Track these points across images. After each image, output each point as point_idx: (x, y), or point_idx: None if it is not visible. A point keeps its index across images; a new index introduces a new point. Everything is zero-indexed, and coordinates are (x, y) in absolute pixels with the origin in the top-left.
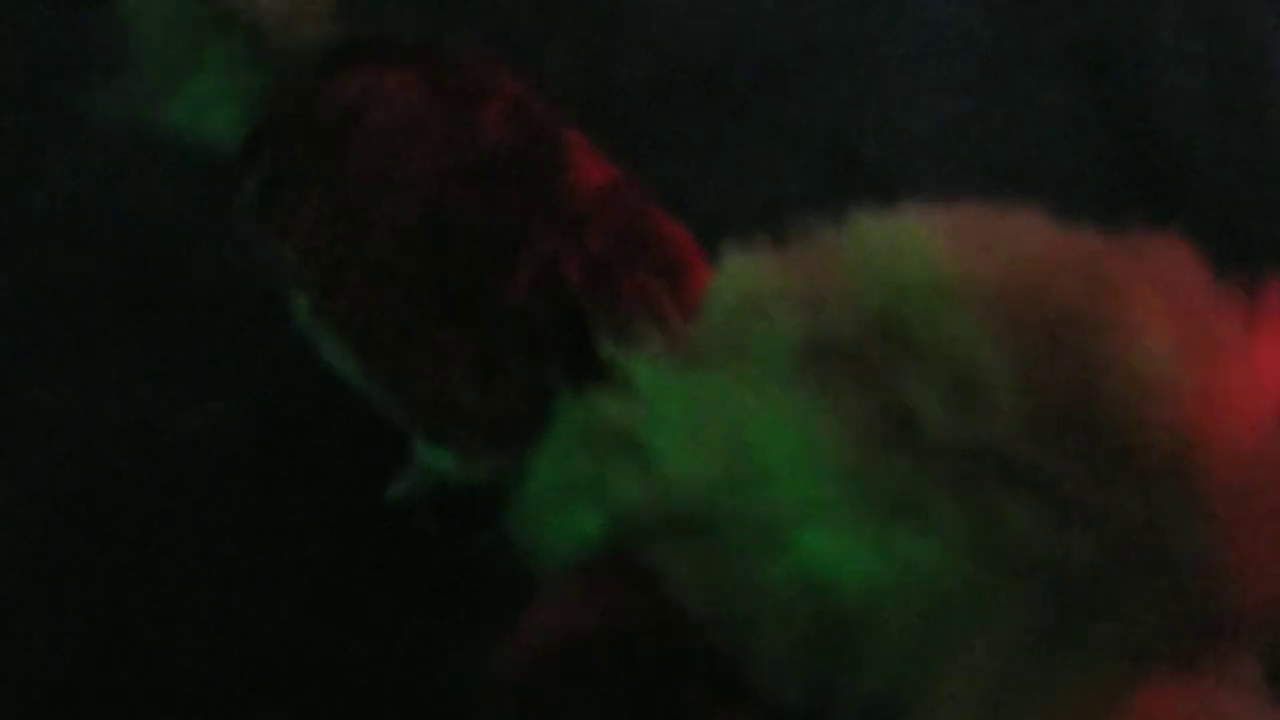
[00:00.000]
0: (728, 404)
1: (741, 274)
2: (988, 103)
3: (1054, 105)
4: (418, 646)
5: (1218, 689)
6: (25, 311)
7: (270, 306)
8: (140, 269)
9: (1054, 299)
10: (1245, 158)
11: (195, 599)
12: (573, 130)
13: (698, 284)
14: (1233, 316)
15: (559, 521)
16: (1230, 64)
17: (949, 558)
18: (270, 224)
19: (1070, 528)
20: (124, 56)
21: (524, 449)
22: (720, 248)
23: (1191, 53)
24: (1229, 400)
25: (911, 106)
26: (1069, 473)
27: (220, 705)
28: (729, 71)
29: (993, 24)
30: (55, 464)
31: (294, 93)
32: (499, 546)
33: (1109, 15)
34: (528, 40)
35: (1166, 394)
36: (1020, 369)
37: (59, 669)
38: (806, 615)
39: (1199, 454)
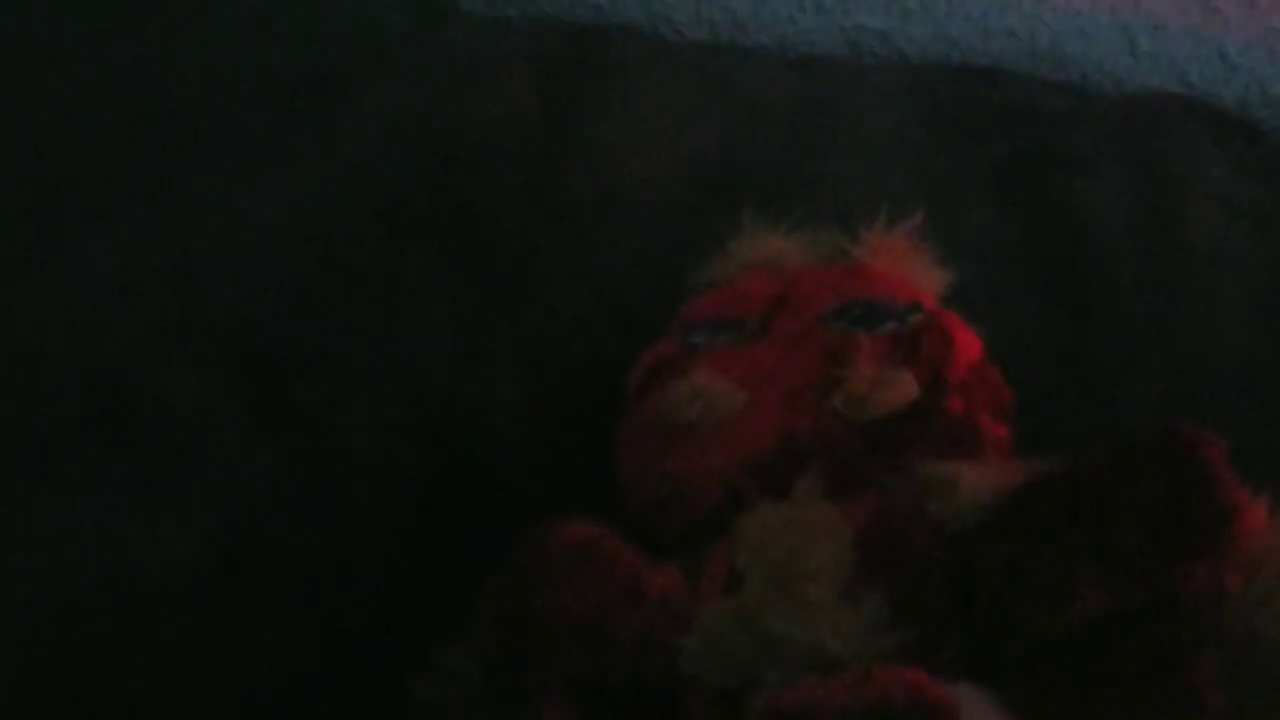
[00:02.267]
0: None
1: None
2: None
3: (985, 225)
4: None
5: None
6: None
7: (242, 433)
8: (114, 396)
9: None
10: (1166, 274)
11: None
12: None
13: None
14: None
15: None
16: (1151, 185)
17: None
18: None
19: None
20: None
21: None
22: None
23: (1114, 174)
24: None
25: (847, 226)
26: None
27: None
28: (665, 192)
29: (926, 138)
30: (24, 592)
31: None
32: None
33: (1037, 137)
34: (470, 157)
35: None
36: None
37: None
38: None
39: None
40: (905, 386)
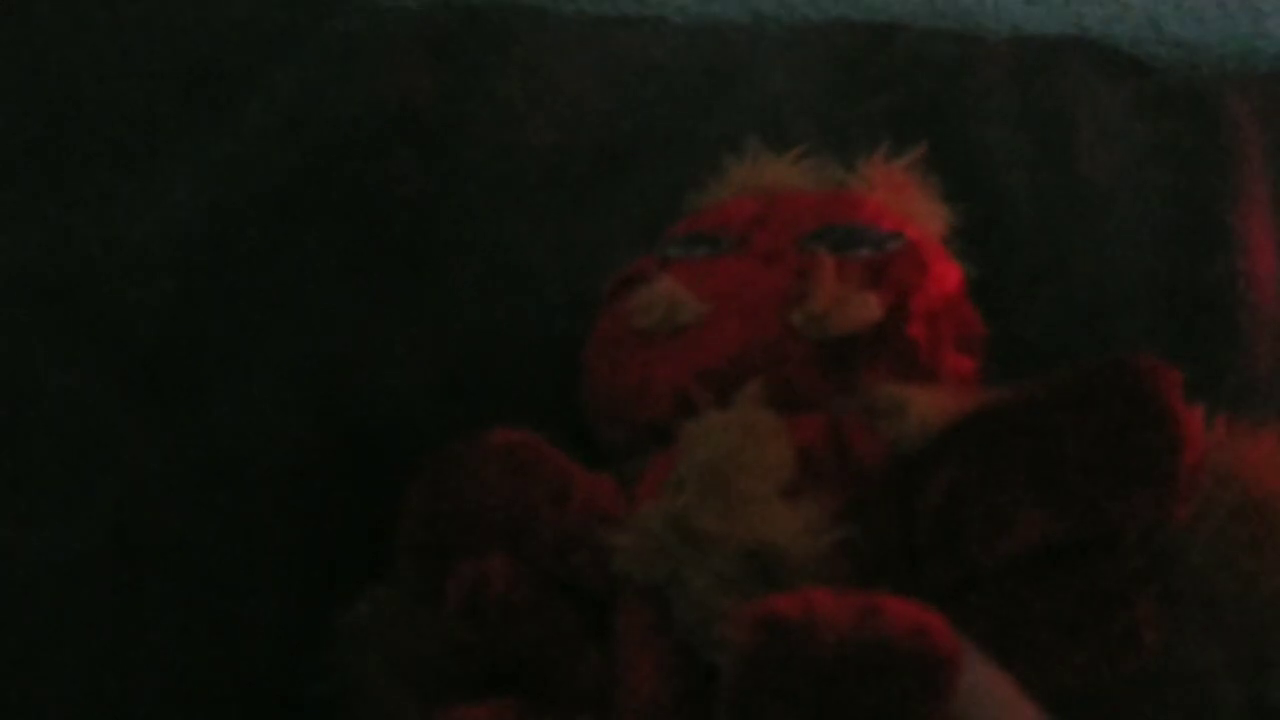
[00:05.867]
0: None
1: None
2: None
3: None
4: None
5: None
6: None
7: (129, 425)
8: None
9: None
10: (1063, 209)
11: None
12: None
13: None
14: None
15: None
16: (1046, 123)
17: None
18: None
19: None
20: None
21: None
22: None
23: (1011, 110)
24: None
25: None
26: None
27: None
28: (565, 158)
29: (825, 94)
30: None
31: None
32: None
33: (932, 85)
34: (363, 141)
35: None
36: None
37: None
38: None
39: None
40: (866, 308)
